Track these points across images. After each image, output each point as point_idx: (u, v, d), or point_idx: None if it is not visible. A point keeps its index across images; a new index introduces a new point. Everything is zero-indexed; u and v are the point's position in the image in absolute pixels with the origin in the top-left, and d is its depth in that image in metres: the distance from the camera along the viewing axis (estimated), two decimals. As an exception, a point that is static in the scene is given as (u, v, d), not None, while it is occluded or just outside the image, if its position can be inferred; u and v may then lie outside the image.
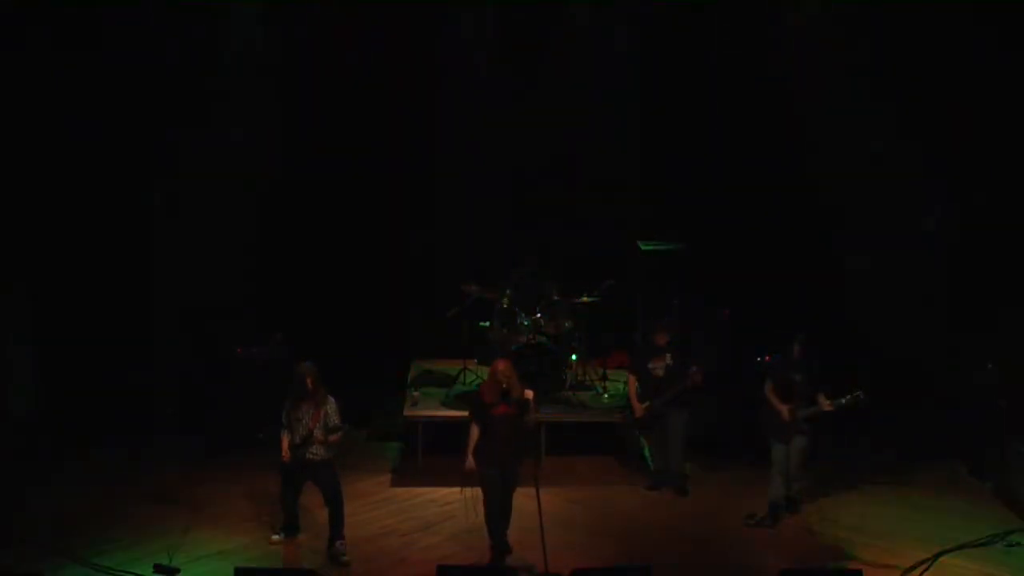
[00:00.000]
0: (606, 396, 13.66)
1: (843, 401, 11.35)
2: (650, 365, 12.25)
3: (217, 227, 14.33)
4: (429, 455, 12.95)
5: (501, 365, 10.56)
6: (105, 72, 13.45)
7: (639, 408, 12.27)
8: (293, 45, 14.27)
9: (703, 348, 12.64)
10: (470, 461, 10.62)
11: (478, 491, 10.87)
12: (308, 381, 10.80)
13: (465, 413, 12.80)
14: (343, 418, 10.98)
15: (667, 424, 12.22)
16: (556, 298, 13.66)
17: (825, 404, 11.44)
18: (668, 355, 12.20)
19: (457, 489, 12.07)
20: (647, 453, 12.80)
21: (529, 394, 10.58)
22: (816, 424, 11.69)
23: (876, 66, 13.83)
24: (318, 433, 10.77)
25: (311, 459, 10.82)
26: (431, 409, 13.22)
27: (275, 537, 11.09)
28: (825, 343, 12.15)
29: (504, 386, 10.44)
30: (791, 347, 11.75)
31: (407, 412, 13.10)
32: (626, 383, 13.46)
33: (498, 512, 10.63)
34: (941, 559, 10.80)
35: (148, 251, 14.13)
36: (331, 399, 10.92)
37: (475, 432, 10.61)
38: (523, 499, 10.69)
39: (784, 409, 11.61)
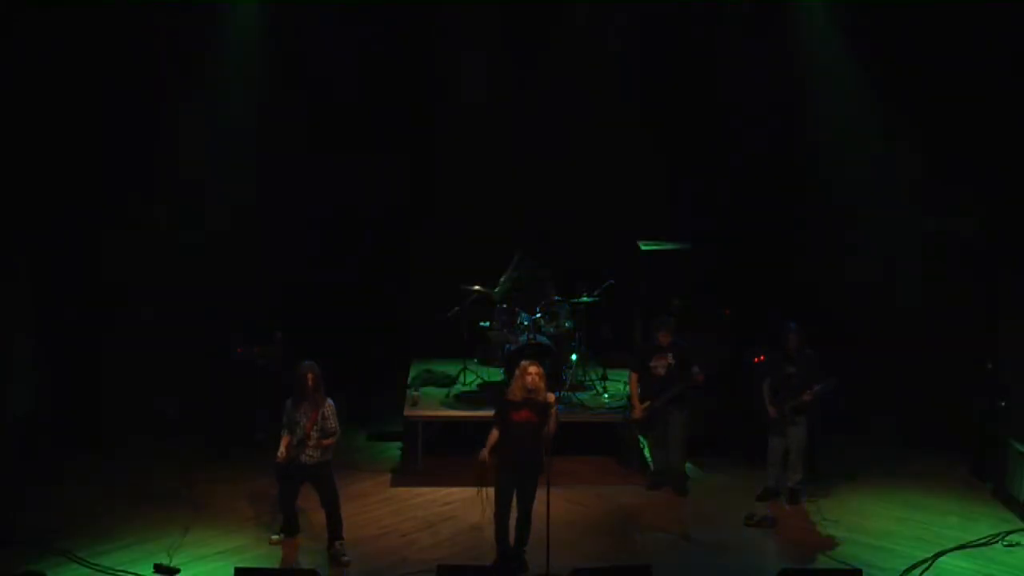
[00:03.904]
0: (606, 396, 13.66)
1: (818, 388, 11.64)
2: (651, 364, 12.25)
3: (217, 226, 14.36)
4: (429, 455, 12.94)
5: (532, 368, 10.38)
6: (107, 67, 13.45)
7: (639, 408, 12.27)
8: (292, 40, 14.30)
9: (704, 348, 12.62)
10: (484, 452, 10.41)
11: (491, 492, 10.71)
12: (308, 380, 10.78)
13: (465, 413, 12.92)
14: (340, 420, 10.95)
15: (668, 424, 12.23)
16: (556, 298, 13.66)
17: (806, 394, 11.67)
18: (670, 354, 12.21)
19: (460, 488, 12.13)
20: (647, 453, 12.81)
21: (551, 398, 10.45)
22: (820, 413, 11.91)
23: (879, 63, 13.84)
24: (314, 435, 10.77)
25: (307, 461, 10.81)
26: (431, 409, 13.22)
27: (275, 537, 11.08)
28: (823, 341, 12.21)
29: (530, 386, 10.33)
30: (785, 339, 11.84)
31: (407, 412, 13.08)
32: (626, 383, 13.48)
33: (507, 521, 10.52)
34: (941, 559, 10.82)
35: (147, 251, 14.15)
36: (329, 401, 10.89)
37: (495, 434, 10.47)
38: (523, 499, 10.69)
39: (770, 409, 11.90)
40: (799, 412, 11.83)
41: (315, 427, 10.76)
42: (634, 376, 12.39)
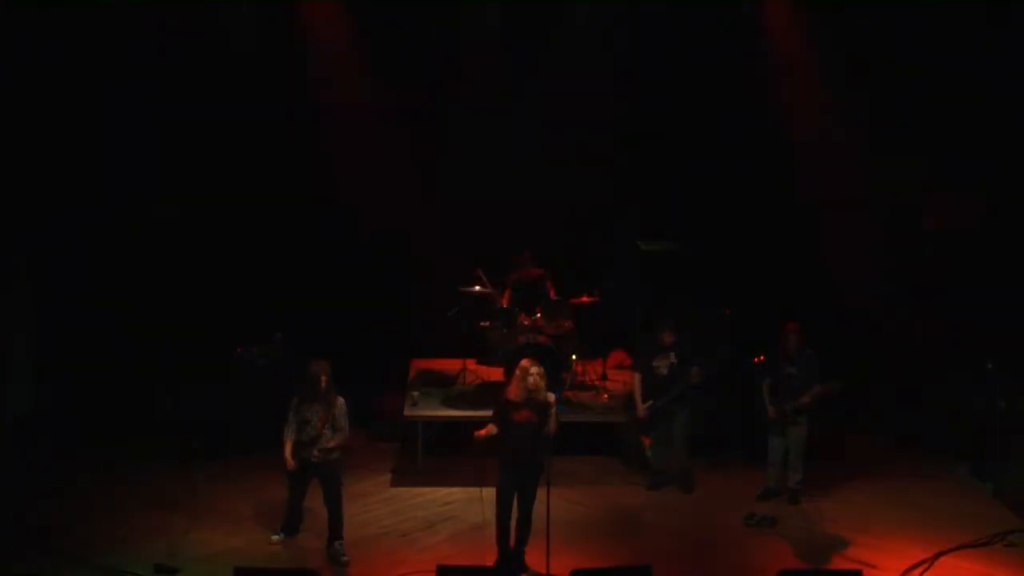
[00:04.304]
0: (606, 396, 13.66)
1: (818, 389, 11.70)
2: (654, 363, 12.26)
3: (217, 226, 14.38)
4: (429, 455, 12.94)
5: (534, 368, 10.36)
6: (107, 66, 13.48)
7: (642, 407, 12.28)
8: (292, 39, 14.32)
9: (704, 348, 12.63)
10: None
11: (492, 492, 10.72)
12: (322, 381, 10.76)
13: (465, 413, 12.91)
14: (350, 420, 10.98)
15: (671, 423, 12.24)
16: (556, 298, 13.65)
17: (805, 396, 11.72)
18: (673, 354, 12.22)
19: (460, 488, 12.18)
20: (648, 453, 12.81)
21: (551, 398, 10.42)
22: (819, 413, 11.94)
23: (878, 63, 13.85)
24: (326, 434, 10.76)
25: (317, 460, 10.80)
26: (431, 409, 13.22)
27: (275, 537, 11.08)
28: (824, 341, 12.22)
29: (532, 387, 10.30)
30: (784, 340, 11.86)
31: (407, 412, 13.08)
32: (626, 383, 13.51)
33: (508, 521, 10.52)
34: (941, 559, 10.82)
35: (147, 250, 14.17)
36: (340, 400, 10.90)
37: (492, 427, 10.42)
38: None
39: (770, 409, 11.93)
40: (800, 412, 11.85)
41: (326, 426, 10.77)
42: (637, 376, 12.39)
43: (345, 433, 10.92)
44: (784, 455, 12.01)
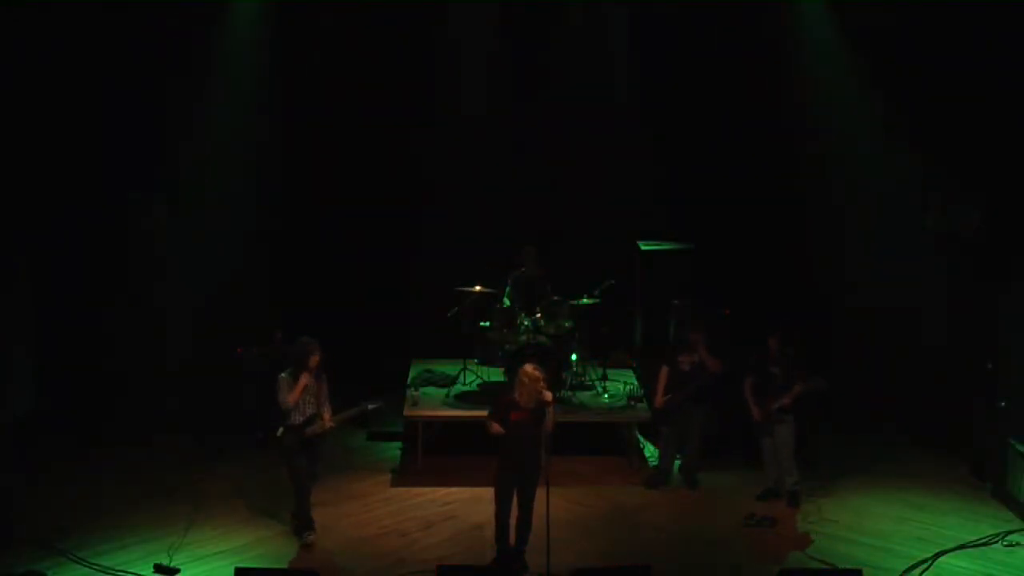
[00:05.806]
0: (606, 396, 13.67)
1: (800, 389, 11.68)
2: (680, 359, 12.31)
3: (217, 226, 14.38)
4: (429, 455, 12.95)
5: (538, 373, 10.34)
6: (107, 67, 13.49)
7: (661, 399, 12.29)
8: (292, 40, 14.34)
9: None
10: (497, 427, 10.43)
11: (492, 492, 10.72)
12: (315, 357, 10.85)
13: (465, 413, 12.91)
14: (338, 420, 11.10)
15: (688, 420, 12.27)
16: (556, 298, 13.66)
17: (786, 396, 11.74)
18: (697, 353, 12.26)
19: (460, 488, 12.18)
20: (647, 452, 12.80)
21: (548, 396, 10.40)
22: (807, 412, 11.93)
23: (879, 62, 13.86)
24: (326, 412, 10.87)
25: (317, 431, 10.87)
26: (431, 409, 13.22)
27: (310, 538, 10.98)
28: (823, 342, 12.22)
29: (539, 392, 10.30)
30: (769, 342, 11.86)
31: (407, 412, 13.09)
32: (626, 382, 13.51)
33: (507, 521, 10.52)
34: (941, 559, 10.82)
35: (148, 251, 14.17)
36: (324, 375, 11.03)
37: (498, 427, 10.46)
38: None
39: (754, 409, 11.94)
40: (784, 412, 11.82)
41: (324, 402, 10.94)
42: (664, 370, 12.43)
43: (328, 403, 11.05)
44: (776, 455, 11.98)
